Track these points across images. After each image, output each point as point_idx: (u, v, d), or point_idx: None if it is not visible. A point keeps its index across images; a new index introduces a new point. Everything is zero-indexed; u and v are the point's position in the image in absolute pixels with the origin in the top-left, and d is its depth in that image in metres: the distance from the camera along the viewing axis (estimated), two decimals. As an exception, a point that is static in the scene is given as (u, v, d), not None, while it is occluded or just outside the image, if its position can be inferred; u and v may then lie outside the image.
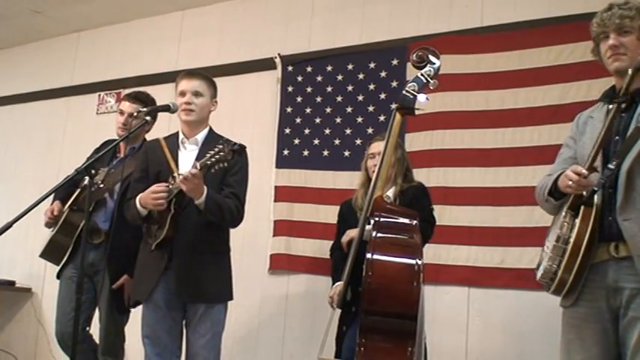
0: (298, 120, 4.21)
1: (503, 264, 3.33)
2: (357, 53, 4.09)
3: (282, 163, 4.17)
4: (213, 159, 2.50)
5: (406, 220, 2.29)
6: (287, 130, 4.24)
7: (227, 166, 2.68)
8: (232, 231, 2.96)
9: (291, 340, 4.00)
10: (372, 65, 4.01)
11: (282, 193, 4.12)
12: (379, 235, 2.18)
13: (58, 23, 5.42)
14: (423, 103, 2.38)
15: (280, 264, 4.07)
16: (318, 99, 4.16)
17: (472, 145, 3.55)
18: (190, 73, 2.97)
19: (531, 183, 3.25)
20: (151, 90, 4.16)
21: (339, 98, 4.09)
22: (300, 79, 4.26)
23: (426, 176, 3.60)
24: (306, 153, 4.14)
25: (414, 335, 2.07)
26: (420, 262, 2.10)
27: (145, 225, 2.85)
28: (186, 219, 2.74)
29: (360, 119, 3.99)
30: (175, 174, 2.69)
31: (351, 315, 2.70)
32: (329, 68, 4.16)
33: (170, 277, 2.77)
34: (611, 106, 2.01)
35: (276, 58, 4.35)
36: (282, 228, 4.07)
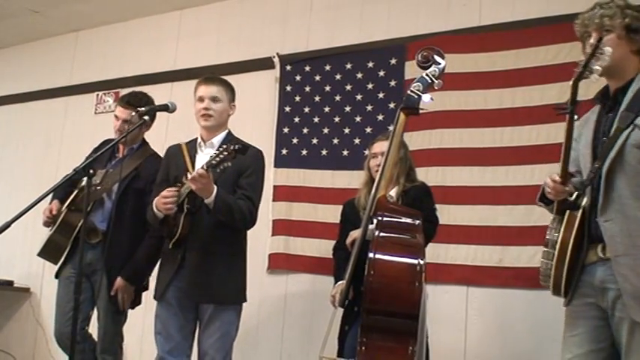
0: (297, 119, 4.21)
1: (501, 263, 3.34)
2: (355, 52, 4.09)
3: (280, 162, 4.17)
4: (217, 159, 2.52)
5: (409, 220, 2.29)
6: (285, 130, 4.24)
7: (240, 169, 2.78)
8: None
9: (289, 340, 4.00)
10: (370, 64, 4.01)
11: (281, 193, 4.12)
12: (382, 234, 2.19)
13: (56, 23, 5.42)
14: (428, 103, 2.38)
15: (279, 263, 4.07)
16: (317, 98, 4.17)
17: (470, 144, 3.56)
18: (208, 79, 3.01)
19: (530, 182, 3.27)
20: (149, 89, 4.15)
21: (338, 97, 4.09)
22: (298, 78, 4.26)
23: (425, 175, 3.60)
24: (304, 152, 4.14)
25: (415, 335, 2.08)
26: (422, 262, 2.10)
27: (165, 226, 2.89)
28: (200, 219, 2.78)
29: (358, 118, 3.99)
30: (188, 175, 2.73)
31: (353, 314, 2.70)
32: (327, 67, 4.16)
33: (182, 276, 2.81)
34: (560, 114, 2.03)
35: (274, 57, 4.35)
36: (281, 227, 4.07)
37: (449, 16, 3.81)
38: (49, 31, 5.58)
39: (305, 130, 4.16)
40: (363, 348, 2.08)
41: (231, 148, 2.51)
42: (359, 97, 4.02)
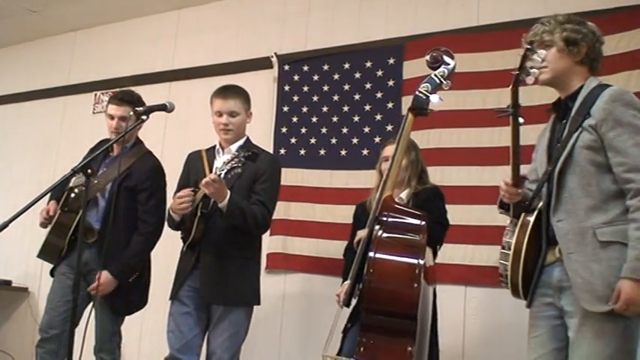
0: (295, 119, 4.21)
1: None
2: (353, 52, 4.09)
3: (278, 162, 4.17)
4: (228, 165, 2.63)
5: (413, 221, 2.28)
6: (283, 130, 4.24)
7: (256, 174, 2.90)
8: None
9: (287, 339, 4.00)
10: (368, 64, 4.01)
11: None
12: (384, 234, 2.19)
13: (54, 22, 5.41)
14: (436, 103, 2.39)
15: (277, 263, 4.07)
16: (315, 98, 4.17)
17: (469, 144, 3.56)
18: (225, 93, 3.04)
19: (528, 182, 3.27)
20: (147, 89, 4.17)
21: (336, 97, 4.09)
22: (296, 78, 4.26)
23: (423, 175, 3.61)
24: (302, 152, 4.14)
25: (413, 335, 2.08)
26: (421, 262, 2.10)
27: (182, 228, 2.98)
28: (215, 223, 2.86)
29: (356, 118, 3.99)
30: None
31: (357, 314, 2.70)
32: (325, 67, 4.16)
33: (196, 276, 2.90)
34: (503, 117, 2.17)
35: (272, 57, 4.35)
36: (279, 227, 4.07)
37: (447, 15, 3.81)
38: (46, 30, 5.58)
39: (303, 130, 4.16)
40: (362, 347, 2.09)
41: (242, 154, 2.61)
42: (357, 96, 4.02)
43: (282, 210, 4.08)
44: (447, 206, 3.50)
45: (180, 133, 4.60)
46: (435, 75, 2.38)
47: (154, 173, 3.31)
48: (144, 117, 2.81)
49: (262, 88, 4.37)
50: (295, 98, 4.24)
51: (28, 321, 5.06)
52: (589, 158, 2.01)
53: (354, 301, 2.54)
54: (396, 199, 2.65)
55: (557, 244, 2.06)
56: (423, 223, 2.27)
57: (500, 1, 3.66)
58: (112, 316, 3.20)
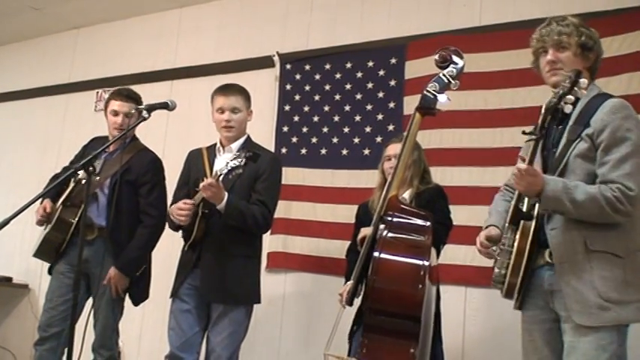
0: (296, 118, 4.21)
1: (500, 264, 3.33)
2: (355, 52, 4.08)
3: (279, 161, 4.17)
4: (229, 166, 2.63)
5: (418, 221, 2.27)
6: (285, 129, 4.24)
7: (256, 173, 2.91)
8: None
9: (287, 338, 4.00)
10: (370, 64, 4.00)
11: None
12: (389, 234, 2.17)
13: (56, 20, 5.42)
14: (444, 103, 2.36)
15: (277, 262, 4.07)
16: (317, 97, 4.16)
17: (470, 144, 3.55)
18: (227, 89, 3.05)
19: (529, 183, 3.27)
20: (148, 87, 4.17)
21: (338, 97, 4.09)
22: (298, 77, 4.26)
23: (424, 175, 3.61)
24: (304, 151, 4.14)
25: (417, 336, 2.07)
26: (426, 263, 2.09)
27: (182, 228, 2.99)
28: (216, 222, 2.86)
29: (358, 118, 3.99)
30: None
31: (361, 315, 2.69)
32: (327, 66, 4.16)
33: (196, 274, 2.91)
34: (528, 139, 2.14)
35: (274, 56, 4.35)
36: (280, 226, 4.07)
37: (449, 15, 3.81)
38: (49, 28, 5.58)
39: (304, 129, 4.16)
40: (364, 348, 2.08)
41: (243, 155, 2.62)
42: (359, 96, 4.01)
43: (283, 209, 4.08)
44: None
45: (182, 131, 4.60)
46: (444, 74, 2.36)
47: (154, 166, 3.32)
48: (146, 114, 2.82)
49: (264, 86, 4.37)
50: (297, 97, 4.24)
51: (29, 318, 5.06)
52: (583, 167, 2.03)
53: (357, 301, 2.54)
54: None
55: (548, 248, 2.07)
56: (428, 223, 2.25)
57: (503, 1, 3.66)
58: (113, 312, 3.20)
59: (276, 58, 4.34)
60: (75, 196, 3.16)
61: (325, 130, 4.09)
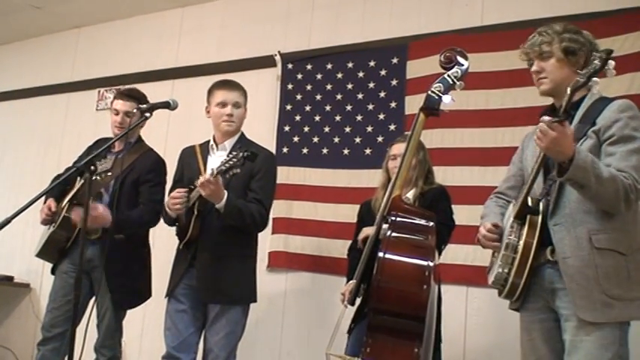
0: (298, 118, 4.21)
1: (501, 263, 3.33)
2: (357, 51, 4.08)
3: (281, 160, 4.15)
4: (226, 165, 2.59)
5: (422, 221, 2.26)
6: (286, 128, 4.24)
7: (252, 171, 2.87)
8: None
9: (288, 338, 4.00)
10: (372, 63, 4.00)
11: (281, 191, 4.10)
12: (393, 234, 2.17)
13: (57, 19, 5.42)
14: (449, 104, 2.37)
15: (278, 262, 4.07)
16: (318, 97, 4.16)
17: (471, 144, 3.55)
18: (229, 84, 3.05)
19: (530, 182, 3.26)
20: (150, 86, 4.16)
21: (339, 96, 4.09)
22: (299, 76, 4.26)
23: (425, 175, 3.60)
24: (305, 151, 4.14)
25: (421, 336, 2.07)
26: (431, 264, 2.09)
27: (177, 226, 2.98)
28: (211, 221, 2.85)
29: (359, 117, 3.99)
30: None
31: (361, 314, 2.69)
32: (329, 66, 4.16)
33: (192, 274, 2.90)
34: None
35: (276, 55, 4.35)
36: (281, 226, 4.07)
37: (451, 15, 3.81)
38: (50, 27, 5.59)
39: (306, 129, 4.16)
40: (368, 348, 2.08)
41: (240, 155, 2.57)
42: (360, 96, 4.01)
43: (285, 208, 4.09)
44: (450, 206, 3.51)
45: (184, 130, 4.60)
46: (448, 75, 2.37)
47: (157, 167, 3.33)
48: (147, 114, 2.82)
49: (265, 86, 4.37)
50: (298, 97, 4.24)
51: (30, 317, 5.07)
52: None
53: (358, 301, 2.54)
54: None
55: (550, 245, 2.07)
56: (432, 224, 2.25)
57: (505, 1, 3.65)
58: (116, 311, 3.20)
59: (277, 58, 4.34)
60: (81, 195, 3.15)
61: (326, 129, 4.09)
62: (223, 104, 2.98)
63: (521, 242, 2.06)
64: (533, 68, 2.23)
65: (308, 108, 4.19)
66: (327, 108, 4.12)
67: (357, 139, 3.96)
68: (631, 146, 2.01)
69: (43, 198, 3.11)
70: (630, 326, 2.04)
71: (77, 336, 2.52)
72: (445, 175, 3.57)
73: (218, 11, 4.83)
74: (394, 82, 3.89)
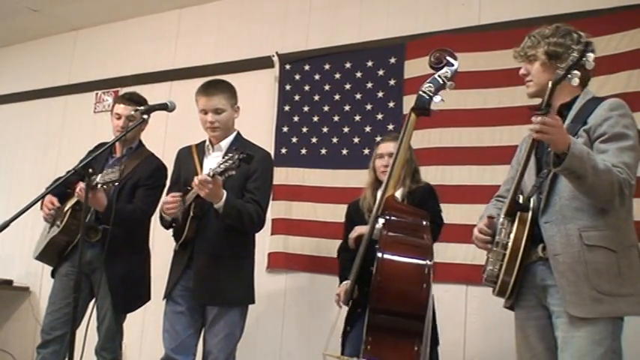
0: (296, 118, 4.21)
1: (500, 262, 3.34)
2: (354, 52, 4.09)
3: (279, 161, 4.16)
4: (222, 167, 2.57)
5: (417, 220, 2.30)
6: (285, 129, 4.24)
7: (248, 172, 2.85)
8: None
9: (288, 339, 4.00)
10: (369, 64, 4.01)
11: (280, 192, 4.12)
12: (390, 234, 2.19)
13: (55, 21, 5.42)
14: (439, 103, 2.39)
15: (278, 262, 4.07)
16: (316, 97, 4.17)
17: (469, 143, 3.56)
18: (208, 89, 2.98)
19: (529, 181, 3.27)
20: (148, 88, 4.16)
21: (337, 97, 4.09)
22: (297, 77, 4.26)
23: (423, 174, 3.57)
24: (304, 151, 4.14)
25: (421, 334, 2.10)
26: (430, 262, 2.11)
27: (174, 227, 2.97)
28: (207, 222, 2.84)
29: (357, 117, 3.99)
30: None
31: (355, 315, 2.70)
32: (327, 67, 4.16)
33: (189, 276, 2.88)
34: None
35: (273, 56, 4.35)
36: (280, 226, 4.07)
37: (448, 15, 3.81)
38: (48, 29, 5.58)
39: (304, 130, 4.16)
40: (369, 347, 2.09)
41: (236, 157, 2.54)
42: (358, 96, 4.02)
43: (284, 209, 4.09)
44: (449, 206, 3.51)
45: (182, 132, 4.58)
46: (439, 75, 2.39)
47: (158, 172, 3.31)
48: (145, 116, 2.81)
49: (263, 87, 4.37)
50: (296, 97, 4.24)
51: (30, 320, 5.07)
52: None
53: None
54: (391, 198, 2.65)
55: (541, 243, 2.09)
56: (426, 223, 2.28)
57: (501, 0, 3.66)
58: (117, 314, 3.20)
59: (275, 59, 4.34)
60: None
61: (325, 130, 4.09)
62: (204, 112, 2.95)
63: (511, 239, 2.08)
64: (521, 71, 2.27)
65: (306, 108, 4.19)
66: (326, 108, 4.12)
67: (356, 139, 3.96)
68: (622, 144, 2.01)
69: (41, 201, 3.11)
70: (627, 322, 2.04)
71: (77, 338, 2.53)
72: (443, 175, 3.58)
73: (215, 12, 4.83)
74: (392, 82, 3.90)
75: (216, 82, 3.08)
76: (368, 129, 3.92)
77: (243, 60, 4.53)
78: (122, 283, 3.16)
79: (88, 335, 2.67)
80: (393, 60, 3.92)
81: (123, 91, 4.36)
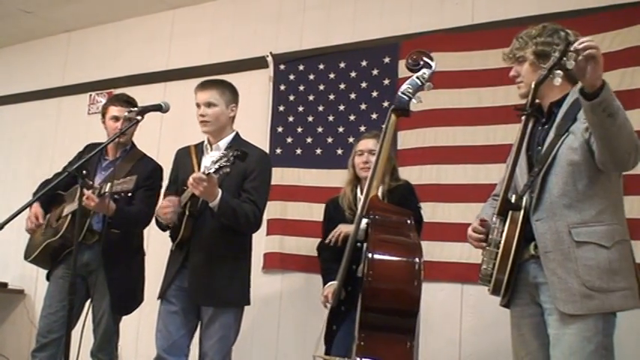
0: (291, 118, 4.21)
1: (496, 260, 3.35)
2: (349, 51, 4.10)
3: (274, 161, 4.10)
4: (216, 165, 2.56)
5: (402, 219, 2.33)
6: (279, 129, 4.24)
7: (245, 172, 2.85)
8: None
9: (284, 339, 4.00)
10: (363, 63, 4.01)
11: (275, 192, 4.09)
12: (378, 234, 2.21)
13: (48, 23, 5.41)
14: (417, 104, 2.43)
15: (274, 263, 4.07)
16: (311, 97, 4.17)
17: (464, 142, 3.57)
18: (203, 84, 3.01)
19: (523, 180, 3.28)
20: (142, 89, 4.15)
21: (332, 96, 4.09)
22: (292, 77, 4.26)
23: (419, 173, 3.61)
24: (298, 151, 4.14)
25: (413, 330, 2.13)
26: (419, 260, 2.14)
27: (170, 228, 2.95)
28: (203, 222, 2.82)
29: (352, 117, 4.00)
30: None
31: (341, 314, 2.70)
32: (321, 66, 4.17)
33: (184, 276, 2.87)
34: (522, 117, 2.16)
35: (268, 56, 4.35)
36: (276, 227, 4.07)
37: (442, 14, 3.82)
38: (41, 31, 5.57)
39: (299, 130, 4.16)
40: (362, 342, 2.11)
41: (230, 154, 2.54)
42: (353, 95, 4.02)
43: (279, 209, 4.09)
44: (444, 205, 3.54)
45: (176, 133, 4.59)
46: (417, 77, 2.43)
47: (155, 174, 3.31)
48: (139, 117, 2.81)
49: (258, 87, 4.37)
50: (291, 97, 4.24)
51: (25, 323, 5.05)
52: (568, 158, 2.06)
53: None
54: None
55: (533, 241, 2.10)
56: (411, 221, 2.32)
57: (495, 0, 3.67)
58: (114, 316, 3.19)
59: (269, 59, 4.34)
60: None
61: (320, 129, 4.09)
62: (197, 105, 2.96)
63: (503, 238, 2.09)
64: (511, 73, 2.28)
65: (301, 108, 4.19)
66: (320, 108, 4.12)
67: (351, 139, 3.95)
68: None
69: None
70: (619, 319, 2.05)
71: (72, 341, 2.52)
72: (438, 174, 3.59)
73: (209, 13, 4.82)
74: (386, 82, 3.90)
75: (215, 79, 3.11)
76: (363, 128, 3.91)
77: (238, 60, 4.53)
78: (121, 285, 3.16)
79: (83, 338, 2.65)
80: (387, 59, 3.93)
81: (117, 92, 4.34)
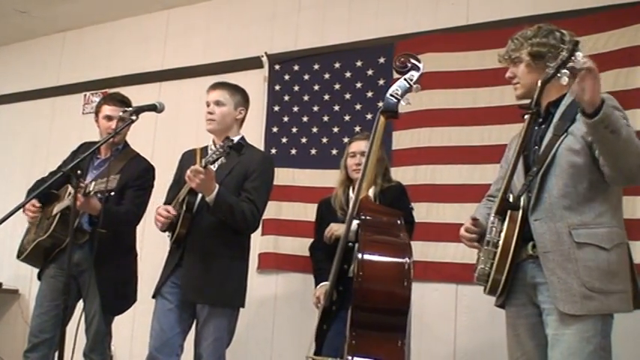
0: (285, 119, 4.21)
1: (490, 260, 3.35)
2: (344, 52, 4.10)
3: (269, 161, 4.17)
4: (213, 156, 2.57)
5: (392, 220, 2.35)
6: (274, 129, 4.24)
7: (247, 172, 2.85)
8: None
9: (279, 339, 4.00)
10: (358, 63, 4.01)
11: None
12: (368, 234, 2.23)
13: (43, 23, 5.39)
14: (405, 106, 2.45)
15: (268, 263, 4.07)
16: (306, 97, 4.17)
17: (459, 142, 3.58)
18: (215, 84, 3.04)
19: (518, 180, 3.28)
20: (136, 89, 4.14)
21: (327, 97, 4.09)
22: (287, 77, 4.26)
23: (413, 174, 3.62)
24: (293, 152, 4.14)
25: (404, 329, 2.15)
26: (409, 260, 2.15)
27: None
28: (201, 220, 2.81)
29: (347, 117, 4.00)
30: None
31: (331, 313, 2.70)
32: (316, 67, 4.17)
33: (180, 274, 2.86)
34: (526, 117, 2.16)
35: (262, 56, 4.35)
36: (270, 227, 4.07)
37: (437, 14, 3.83)
38: (36, 31, 5.56)
39: (294, 130, 4.16)
40: (354, 341, 2.12)
41: (225, 145, 2.55)
42: (348, 96, 4.02)
43: (274, 210, 4.08)
44: (438, 205, 3.54)
45: (171, 133, 4.59)
46: (405, 79, 2.43)
47: (147, 174, 3.30)
48: (134, 117, 2.80)
49: (253, 87, 4.32)
50: (286, 98, 4.24)
51: (19, 323, 5.03)
52: (569, 160, 2.06)
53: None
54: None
55: (531, 241, 2.10)
56: (401, 222, 2.33)
57: (490, 0, 3.68)
58: (105, 316, 3.17)
59: (264, 59, 4.34)
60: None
61: (315, 130, 4.09)
62: (207, 104, 2.98)
63: (502, 237, 2.09)
64: (507, 74, 2.28)
65: (296, 109, 4.19)
66: (315, 108, 4.12)
67: (346, 139, 3.94)
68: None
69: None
70: (616, 320, 2.05)
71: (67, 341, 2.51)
72: (433, 174, 3.59)
73: (204, 13, 4.82)
74: (381, 82, 3.91)
75: (230, 82, 3.11)
76: (357, 129, 3.92)
77: (233, 60, 4.53)
78: (111, 285, 3.14)
79: (77, 338, 2.64)
80: (382, 60, 3.93)
81: (111, 92, 4.33)
